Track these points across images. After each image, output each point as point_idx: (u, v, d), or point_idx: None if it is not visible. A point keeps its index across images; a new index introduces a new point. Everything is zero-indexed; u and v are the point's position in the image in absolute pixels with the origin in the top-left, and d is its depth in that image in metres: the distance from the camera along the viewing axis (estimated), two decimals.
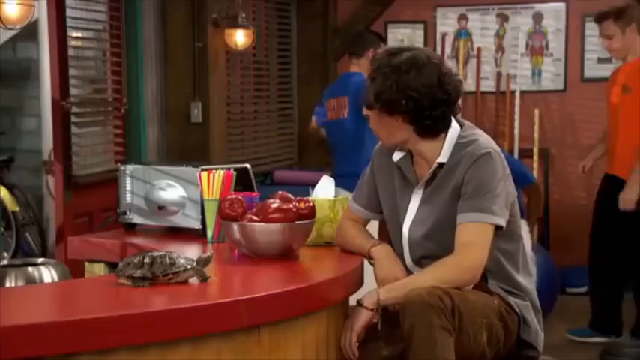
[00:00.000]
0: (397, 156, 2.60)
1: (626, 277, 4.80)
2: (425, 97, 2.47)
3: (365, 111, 2.57)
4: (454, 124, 2.56)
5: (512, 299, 2.55)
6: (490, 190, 2.46)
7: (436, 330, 2.26)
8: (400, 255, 2.62)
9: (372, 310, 2.40)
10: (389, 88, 2.45)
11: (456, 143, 2.53)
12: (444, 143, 2.53)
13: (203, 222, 2.89)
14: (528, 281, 2.62)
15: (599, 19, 4.73)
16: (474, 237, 2.44)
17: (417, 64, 2.48)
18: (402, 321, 2.30)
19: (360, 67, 5.00)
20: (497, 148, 2.54)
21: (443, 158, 2.52)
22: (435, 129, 2.52)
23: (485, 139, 2.54)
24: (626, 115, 4.61)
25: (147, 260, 2.16)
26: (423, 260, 2.55)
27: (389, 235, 2.70)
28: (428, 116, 2.49)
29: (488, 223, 2.45)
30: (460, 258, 2.44)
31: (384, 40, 5.30)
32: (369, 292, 2.45)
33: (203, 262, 2.22)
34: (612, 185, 4.70)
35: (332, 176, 4.79)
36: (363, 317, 2.41)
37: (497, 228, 2.47)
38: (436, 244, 2.51)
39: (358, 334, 2.40)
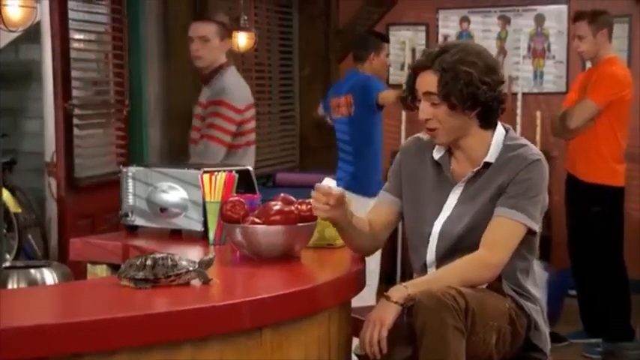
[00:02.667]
0: (438, 153, 2.60)
1: (609, 278, 4.85)
2: (491, 85, 2.49)
3: (430, 110, 2.52)
4: (499, 127, 2.58)
5: (523, 302, 2.55)
6: (536, 194, 2.49)
7: (449, 330, 2.27)
8: (420, 252, 2.60)
9: (401, 305, 2.38)
10: (462, 82, 2.45)
11: (504, 145, 2.55)
12: (491, 143, 2.54)
13: (205, 224, 2.89)
14: (537, 291, 2.63)
15: (575, 19, 4.89)
16: (505, 234, 2.46)
17: (475, 54, 2.50)
18: (415, 319, 2.30)
19: (364, 69, 5.01)
20: (544, 157, 2.57)
21: (491, 158, 2.54)
22: (496, 116, 2.55)
23: (534, 146, 2.58)
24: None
25: (149, 262, 2.16)
26: (446, 258, 2.53)
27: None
28: (491, 105, 2.51)
29: (525, 224, 2.48)
30: (486, 255, 2.45)
31: (387, 40, 5.30)
32: (396, 287, 2.43)
33: (205, 264, 2.22)
34: (571, 184, 5.02)
35: (337, 174, 4.79)
36: (394, 312, 2.37)
37: (530, 232, 2.50)
38: (468, 243, 2.50)
39: (389, 329, 2.37)
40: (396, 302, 2.38)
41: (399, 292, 2.40)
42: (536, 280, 2.67)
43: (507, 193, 2.49)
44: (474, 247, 2.48)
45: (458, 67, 2.46)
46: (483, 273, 2.46)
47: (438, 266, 2.55)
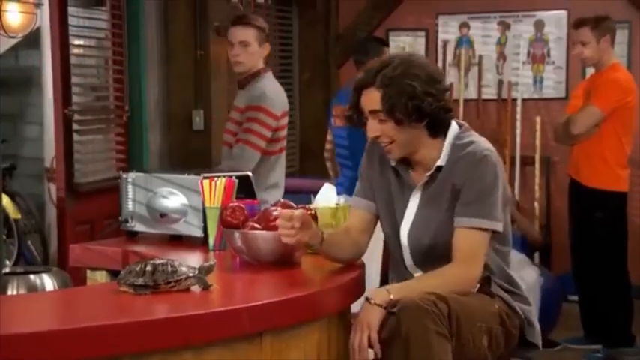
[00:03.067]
0: (394, 161, 2.59)
1: (611, 284, 4.85)
2: (436, 95, 2.47)
3: (378, 128, 2.51)
4: (453, 126, 2.56)
5: (516, 303, 2.57)
6: (491, 194, 2.47)
7: (432, 335, 2.27)
8: (399, 257, 2.62)
9: (384, 307, 2.39)
10: (405, 96, 2.44)
11: (454, 145, 2.53)
12: (443, 145, 2.53)
13: (205, 230, 2.89)
14: (518, 277, 2.65)
15: (577, 25, 4.87)
16: (475, 245, 2.46)
17: (417, 66, 2.48)
18: (398, 327, 2.30)
19: None
20: (494, 149, 2.55)
21: (442, 161, 2.52)
22: (446, 125, 2.53)
23: (482, 141, 2.55)
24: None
25: (149, 268, 2.16)
26: (424, 262, 2.55)
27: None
28: (438, 115, 2.49)
29: (489, 228, 2.47)
30: (464, 270, 2.46)
31: (386, 44, 5.30)
32: (378, 290, 2.44)
33: (205, 270, 2.22)
34: (574, 189, 4.97)
35: (337, 182, 4.78)
36: (378, 314, 2.38)
37: (495, 232, 2.50)
38: (438, 246, 2.51)
39: (377, 332, 2.36)
40: (379, 305, 2.38)
41: (381, 294, 2.41)
42: (522, 275, 2.69)
43: (464, 196, 2.48)
44: (444, 251, 2.49)
45: (400, 81, 2.44)
46: (468, 286, 2.47)
47: (422, 270, 2.56)
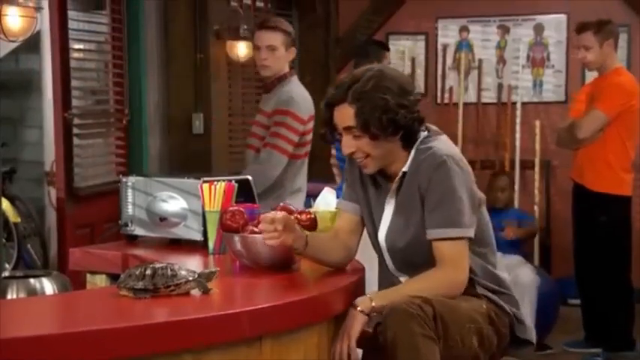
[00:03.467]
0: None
1: (613, 288, 4.85)
2: (409, 107, 2.46)
3: (353, 143, 2.49)
4: (423, 132, 2.55)
5: (503, 303, 2.57)
6: (453, 199, 2.45)
7: (418, 338, 2.27)
8: (382, 260, 2.63)
9: (367, 314, 2.39)
10: (379, 110, 2.42)
11: (417, 149, 2.52)
12: (410, 152, 2.53)
13: (204, 233, 2.89)
14: (509, 279, 2.64)
15: (580, 29, 4.88)
16: (454, 252, 2.46)
17: (388, 78, 2.46)
18: (384, 333, 2.31)
19: None
20: (455, 153, 2.52)
21: (406, 167, 2.52)
22: (418, 133, 2.52)
23: (443, 146, 2.52)
24: None
25: (148, 272, 2.16)
26: (404, 265, 2.56)
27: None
28: (412, 127, 2.48)
29: (462, 236, 2.46)
30: (451, 274, 2.46)
31: (387, 48, 5.30)
32: (362, 297, 2.44)
33: (205, 276, 2.22)
34: (577, 193, 4.98)
35: (338, 187, 4.78)
36: (360, 322, 2.38)
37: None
38: (416, 251, 2.51)
39: (356, 339, 2.37)
40: (361, 311, 2.38)
41: (364, 302, 2.41)
42: (499, 260, 2.66)
43: (428, 202, 2.46)
44: (422, 254, 2.48)
45: (372, 96, 2.42)
46: (454, 290, 2.46)
47: (404, 273, 2.56)
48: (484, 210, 2.60)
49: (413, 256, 2.53)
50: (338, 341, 2.38)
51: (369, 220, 2.63)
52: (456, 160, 2.49)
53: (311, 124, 4.06)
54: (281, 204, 2.74)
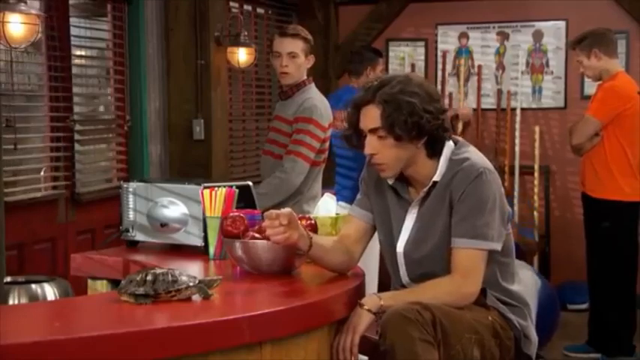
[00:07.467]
0: (390, 180, 2.60)
1: (617, 294, 4.85)
2: (434, 113, 2.48)
3: (376, 144, 2.51)
4: (448, 143, 2.57)
5: (512, 316, 2.57)
6: (485, 211, 2.47)
7: (416, 343, 2.28)
8: (395, 272, 2.63)
9: (374, 313, 2.40)
10: (405, 112, 2.45)
11: (450, 160, 2.54)
12: (439, 162, 2.54)
13: (205, 239, 2.90)
14: (523, 291, 2.65)
15: (570, 48, 5.07)
16: (472, 263, 2.47)
17: (416, 84, 2.50)
18: (383, 338, 2.32)
19: (360, 84, 5.01)
20: (490, 166, 2.56)
21: (437, 177, 2.53)
22: (443, 142, 2.54)
23: (478, 157, 2.55)
24: None
25: (149, 278, 2.17)
26: (420, 278, 2.56)
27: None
28: (437, 134, 2.50)
29: (487, 249, 2.48)
30: (460, 284, 2.47)
31: (381, 55, 5.33)
32: (370, 295, 2.45)
33: (206, 283, 2.23)
34: (583, 199, 5.00)
35: (334, 188, 4.78)
36: (366, 319, 2.39)
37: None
38: (435, 262, 2.52)
39: (360, 336, 2.39)
40: (368, 310, 2.40)
41: (372, 300, 2.42)
42: (521, 279, 2.67)
43: (458, 211, 2.48)
44: (441, 266, 2.49)
45: (399, 98, 2.46)
46: (462, 301, 2.48)
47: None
48: (508, 223, 2.60)
49: (430, 268, 2.53)
50: (342, 334, 2.39)
51: (386, 230, 2.63)
52: (492, 172, 2.52)
53: (330, 132, 4.08)
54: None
